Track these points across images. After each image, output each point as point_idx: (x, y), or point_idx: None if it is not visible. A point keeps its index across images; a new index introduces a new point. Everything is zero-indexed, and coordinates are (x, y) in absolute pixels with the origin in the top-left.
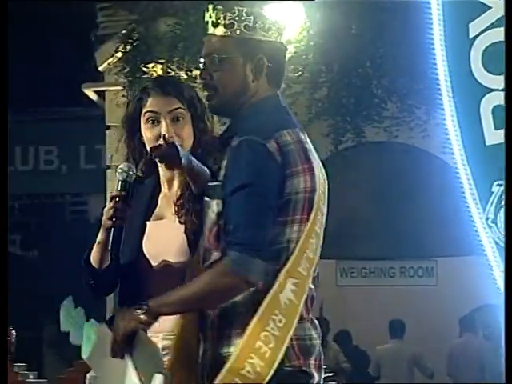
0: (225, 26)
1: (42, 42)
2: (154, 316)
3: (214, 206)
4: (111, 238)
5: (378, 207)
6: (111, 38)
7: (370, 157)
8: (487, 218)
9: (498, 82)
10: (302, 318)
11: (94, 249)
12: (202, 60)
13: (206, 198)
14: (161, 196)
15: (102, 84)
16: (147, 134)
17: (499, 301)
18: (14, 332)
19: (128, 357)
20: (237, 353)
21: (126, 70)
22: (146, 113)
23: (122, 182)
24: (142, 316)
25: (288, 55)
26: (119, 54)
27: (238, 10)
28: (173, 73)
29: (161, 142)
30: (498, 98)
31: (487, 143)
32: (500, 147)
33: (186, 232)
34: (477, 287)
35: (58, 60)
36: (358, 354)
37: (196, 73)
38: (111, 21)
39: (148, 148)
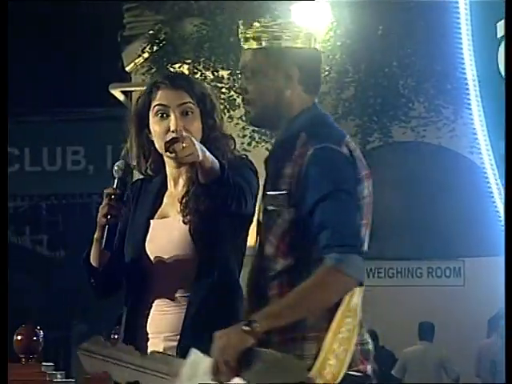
0: (253, 39)
1: (68, 43)
2: (263, 330)
3: (286, 215)
4: (105, 236)
5: (405, 207)
6: (138, 39)
7: (397, 157)
8: None
9: None
10: (360, 323)
11: (93, 247)
12: (239, 76)
13: (270, 207)
14: (167, 194)
15: (129, 84)
16: (155, 127)
17: None
18: (41, 332)
19: (237, 378)
20: (322, 355)
21: (152, 71)
22: (154, 106)
23: (118, 179)
24: (254, 332)
25: None
26: (146, 55)
27: (264, 21)
28: (199, 73)
29: (172, 135)
30: None
31: None
32: None
33: (189, 231)
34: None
35: (85, 60)
36: (385, 355)
37: (223, 73)
38: (138, 21)
39: (157, 144)
